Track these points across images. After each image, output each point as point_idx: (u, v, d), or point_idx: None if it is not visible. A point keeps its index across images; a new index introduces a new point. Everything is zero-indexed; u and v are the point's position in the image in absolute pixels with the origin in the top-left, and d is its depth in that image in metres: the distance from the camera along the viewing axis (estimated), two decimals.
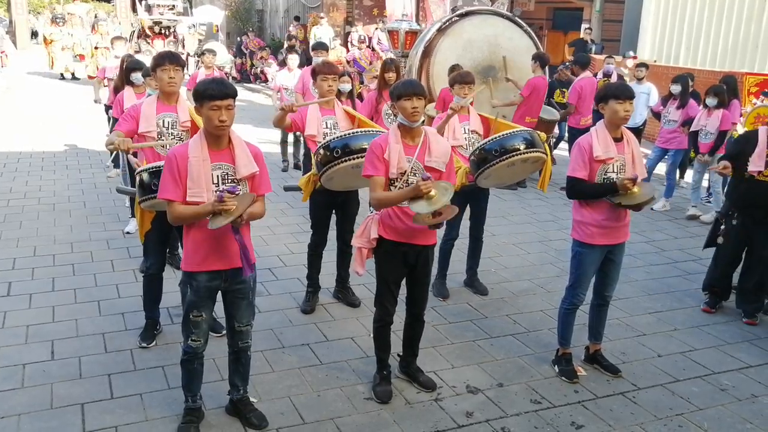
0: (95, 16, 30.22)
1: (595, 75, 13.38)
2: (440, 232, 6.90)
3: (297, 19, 27.73)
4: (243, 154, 4.48)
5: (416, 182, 4.76)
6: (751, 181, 6.72)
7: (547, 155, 6.49)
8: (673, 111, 10.69)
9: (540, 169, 6.73)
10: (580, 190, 5.37)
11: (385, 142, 4.96)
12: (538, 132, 6.72)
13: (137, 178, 5.58)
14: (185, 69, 6.92)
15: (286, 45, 21.93)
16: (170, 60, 5.80)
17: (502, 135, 6.31)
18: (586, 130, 5.56)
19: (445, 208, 4.90)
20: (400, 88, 4.99)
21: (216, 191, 4.31)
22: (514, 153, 6.21)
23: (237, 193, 4.30)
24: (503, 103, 11.52)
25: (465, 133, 6.76)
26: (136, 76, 8.45)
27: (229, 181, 4.43)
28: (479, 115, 6.96)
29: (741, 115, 10.93)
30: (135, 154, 6.47)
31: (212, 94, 4.26)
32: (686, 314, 7.04)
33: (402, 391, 5.42)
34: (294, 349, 6.05)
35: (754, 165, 6.64)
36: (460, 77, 6.96)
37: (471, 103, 6.94)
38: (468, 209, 7.08)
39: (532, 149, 6.29)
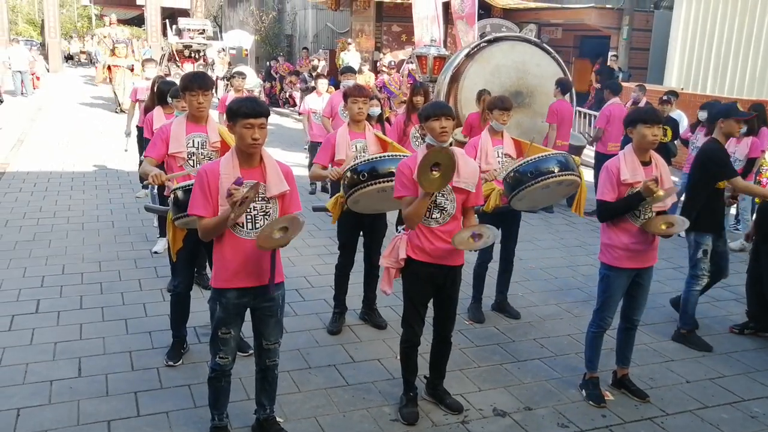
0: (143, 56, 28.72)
1: (626, 104, 13.30)
2: (473, 256, 6.91)
3: (306, 49, 28.12)
4: (274, 172, 4.50)
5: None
6: (763, 203, 6.94)
7: (581, 178, 6.49)
8: (701, 138, 10.60)
9: (573, 192, 6.71)
10: (610, 211, 5.36)
11: (414, 163, 4.96)
12: (573, 156, 6.72)
13: (172, 196, 5.55)
14: (215, 91, 6.93)
15: (305, 73, 22.17)
16: (199, 85, 5.70)
17: (537, 157, 6.32)
18: (614, 156, 5.56)
19: (483, 229, 4.93)
20: (428, 109, 5.01)
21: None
22: (549, 175, 6.20)
23: (242, 183, 4.27)
24: (542, 138, 11.48)
25: (498, 156, 6.76)
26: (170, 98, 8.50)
27: (259, 198, 4.45)
28: (513, 139, 6.96)
29: None
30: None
31: (246, 112, 4.28)
32: (715, 340, 6.95)
33: (428, 413, 5.39)
34: (320, 369, 6.05)
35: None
36: (500, 102, 6.89)
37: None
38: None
39: (566, 172, 6.27)
